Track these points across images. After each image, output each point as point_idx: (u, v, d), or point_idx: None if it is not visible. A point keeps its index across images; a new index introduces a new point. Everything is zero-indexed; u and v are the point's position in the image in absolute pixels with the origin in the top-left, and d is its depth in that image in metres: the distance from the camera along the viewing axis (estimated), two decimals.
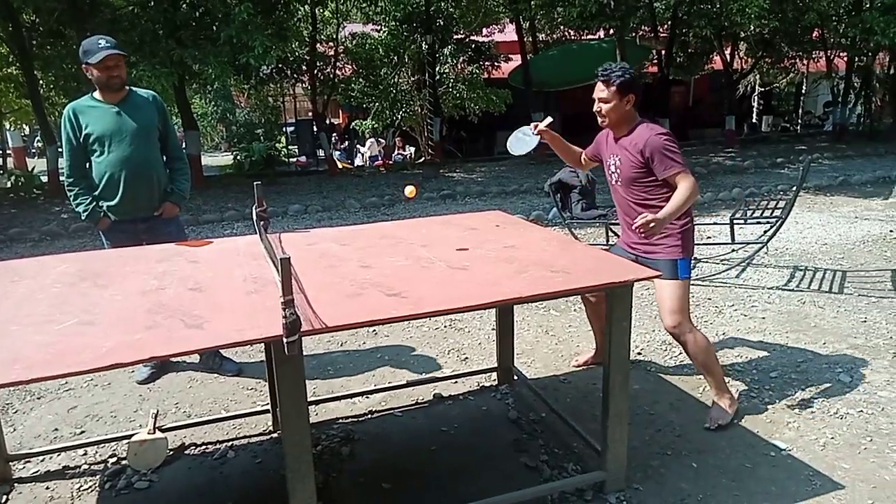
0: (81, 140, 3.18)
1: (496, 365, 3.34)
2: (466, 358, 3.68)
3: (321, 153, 14.92)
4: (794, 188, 4.90)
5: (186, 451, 2.78)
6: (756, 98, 20.69)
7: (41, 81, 11.69)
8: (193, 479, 2.59)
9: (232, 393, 3.33)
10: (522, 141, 3.07)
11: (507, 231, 2.93)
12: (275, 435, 2.89)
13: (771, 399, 3.07)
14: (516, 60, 14.97)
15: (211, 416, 3.03)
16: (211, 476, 2.60)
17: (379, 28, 15.01)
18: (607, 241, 5.56)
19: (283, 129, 18.19)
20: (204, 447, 2.81)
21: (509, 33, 15.33)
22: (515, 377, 3.29)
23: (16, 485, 2.58)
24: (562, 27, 16.30)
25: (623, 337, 2.30)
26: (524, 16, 13.72)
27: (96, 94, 3.24)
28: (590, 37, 15.91)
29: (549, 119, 3.08)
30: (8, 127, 18.79)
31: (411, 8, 13.88)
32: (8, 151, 18.58)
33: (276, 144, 16.69)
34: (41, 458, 2.76)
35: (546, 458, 2.62)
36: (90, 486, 2.55)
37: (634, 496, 2.37)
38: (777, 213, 4.97)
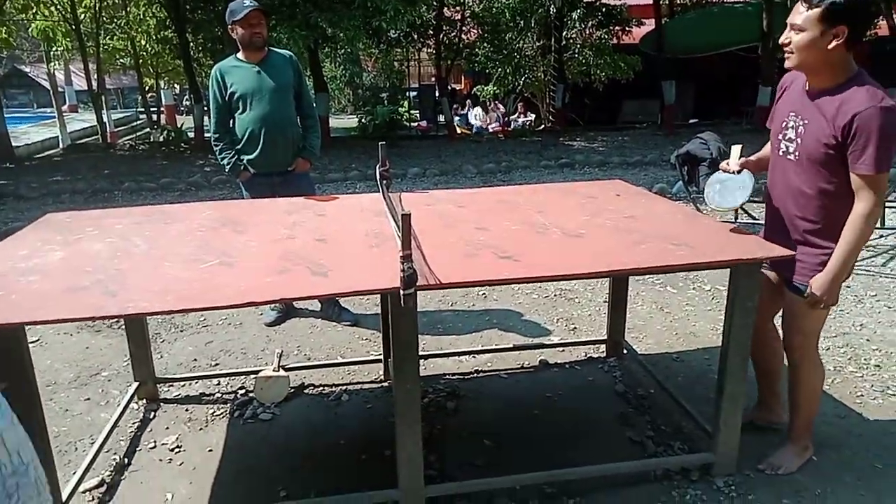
0: (227, 98, 3.43)
1: (606, 337, 3.29)
2: (575, 328, 3.65)
3: (442, 118, 15.08)
4: None
5: (305, 391, 3.00)
6: None
7: (191, 44, 12.65)
8: (311, 417, 2.79)
9: (348, 341, 3.52)
10: (730, 189, 2.31)
11: (628, 201, 2.84)
12: (385, 384, 3.04)
13: None
14: (649, 25, 14.19)
15: (328, 361, 3.24)
16: (326, 416, 2.79)
17: None
18: (735, 219, 5.24)
19: (407, 94, 18.54)
20: (321, 388, 3.01)
21: None
22: (625, 351, 3.23)
23: (161, 404, 2.91)
24: None
25: (746, 318, 2.17)
26: None
27: (240, 55, 3.46)
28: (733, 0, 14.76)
29: (737, 147, 2.36)
30: (162, 86, 20.63)
31: None
32: (161, 109, 20.44)
33: (399, 108, 17.08)
34: (182, 383, 3.08)
35: (652, 434, 2.56)
36: (222, 413, 2.83)
37: (744, 482, 2.27)
38: None
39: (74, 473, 2.27)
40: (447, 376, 3.09)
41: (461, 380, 3.06)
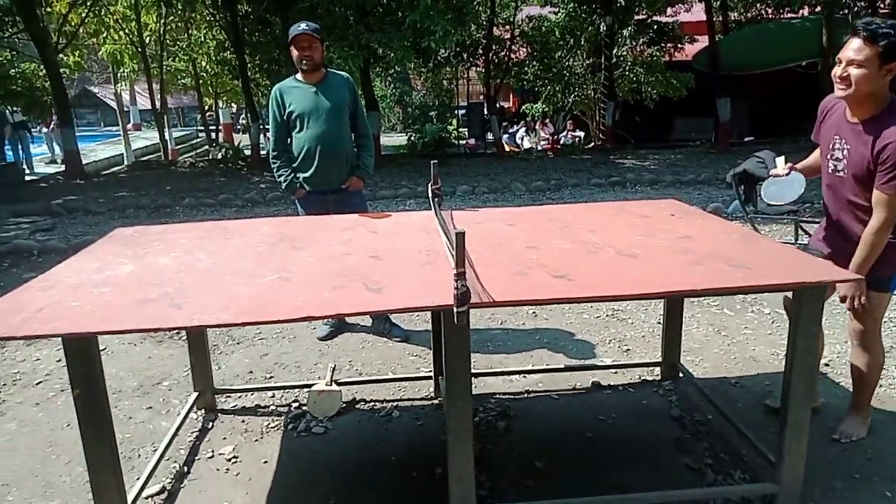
0: (285, 117, 3.54)
1: (660, 359, 3.22)
2: (628, 349, 3.58)
3: (490, 136, 15.14)
4: None
5: (357, 406, 3.03)
6: None
7: (249, 65, 13.11)
8: (362, 432, 2.81)
9: (399, 357, 3.55)
10: (784, 186, 2.58)
11: (683, 221, 2.79)
12: (436, 401, 3.04)
13: None
14: (702, 42, 13.97)
15: (380, 377, 3.27)
16: (377, 431, 2.81)
17: (557, 10, 14.79)
18: (796, 239, 5.06)
19: (455, 112, 18.72)
20: (372, 404, 3.04)
21: (696, 13, 14.31)
22: (681, 374, 3.15)
23: (219, 414, 2.99)
24: (758, 5, 14.91)
25: (810, 343, 2.10)
26: None
27: (298, 76, 3.57)
28: (790, 15, 14.39)
29: (781, 158, 2.69)
30: (220, 105, 21.43)
31: None
32: (219, 127, 21.21)
33: (448, 127, 17.25)
34: (239, 395, 3.16)
35: (710, 461, 2.48)
36: (276, 425, 2.88)
37: None
38: None
39: (138, 479, 2.35)
40: (497, 395, 3.07)
41: (512, 399, 3.04)
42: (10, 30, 12.07)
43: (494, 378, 3.23)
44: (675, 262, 2.17)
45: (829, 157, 2.40)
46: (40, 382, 3.39)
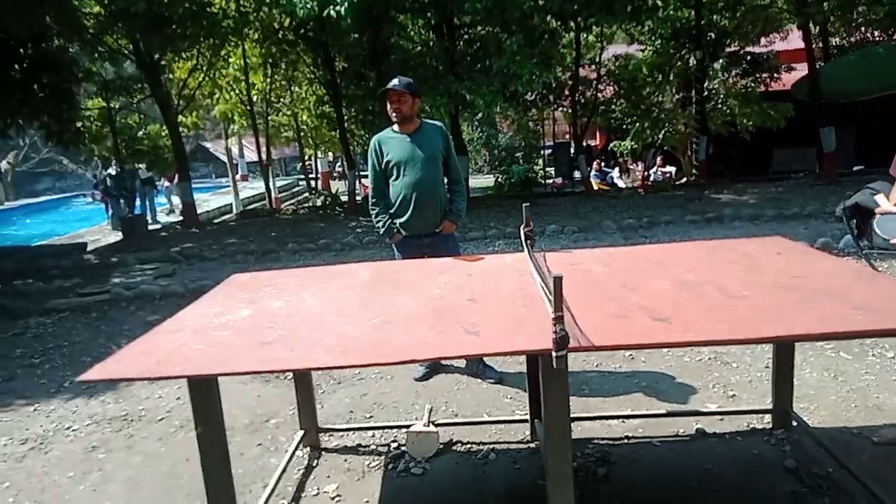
0: (383, 166, 3.72)
1: (770, 406, 3.05)
2: (734, 395, 3.41)
3: (577, 174, 15.05)
4: None
5: (454, 447, 3.05)
6: None
7: (346, 116, 13.84)
8: (460, 474, 2.83)
9: (493, 399, 3.56)
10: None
11: (791, 259, 2.66)
12: (532, 445, 3.02)
13: None
14: (801, 70, 13.36)
15: (475, 419, 3.29)
16: (475, 473, 2.82)
17: (644, 48, 14.68)
18: None
19: (541, 152, 18.79)
20: (469, 446, 3.06)
21: (793, 40, 13.76)
22: (794, 423, 2.96)
23: (323, 452, 3.10)
24: (862, 29, 14.15)
25: None
26: (815, 20, 12.19)
27: (395, 127, 3.75)
28: None
29: (881, 195, 2.78)
30: (319, 155, 22.67)
31: (680, 24, 13.31)
32: (317, 175, 22.38)
33: (534, 166, 17.34)
34: (341, 433, 3.27)
35: None
36: (377, 465, 2.95)
37: None
38: None
39: None
40: (596, 440, 3.01)
41: (611, 445, 2.97)
42: (138, 96, 13.43)
43: (592, 422, 3.17)
44: (786, 303, 2.08)
45: None
46: (162, 419, 3.66)
